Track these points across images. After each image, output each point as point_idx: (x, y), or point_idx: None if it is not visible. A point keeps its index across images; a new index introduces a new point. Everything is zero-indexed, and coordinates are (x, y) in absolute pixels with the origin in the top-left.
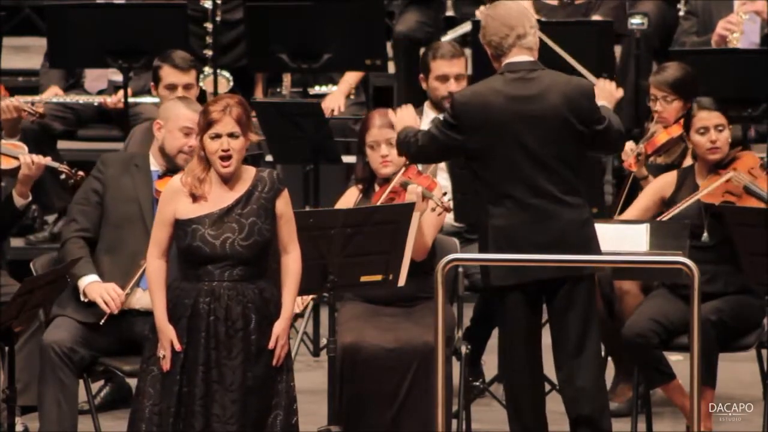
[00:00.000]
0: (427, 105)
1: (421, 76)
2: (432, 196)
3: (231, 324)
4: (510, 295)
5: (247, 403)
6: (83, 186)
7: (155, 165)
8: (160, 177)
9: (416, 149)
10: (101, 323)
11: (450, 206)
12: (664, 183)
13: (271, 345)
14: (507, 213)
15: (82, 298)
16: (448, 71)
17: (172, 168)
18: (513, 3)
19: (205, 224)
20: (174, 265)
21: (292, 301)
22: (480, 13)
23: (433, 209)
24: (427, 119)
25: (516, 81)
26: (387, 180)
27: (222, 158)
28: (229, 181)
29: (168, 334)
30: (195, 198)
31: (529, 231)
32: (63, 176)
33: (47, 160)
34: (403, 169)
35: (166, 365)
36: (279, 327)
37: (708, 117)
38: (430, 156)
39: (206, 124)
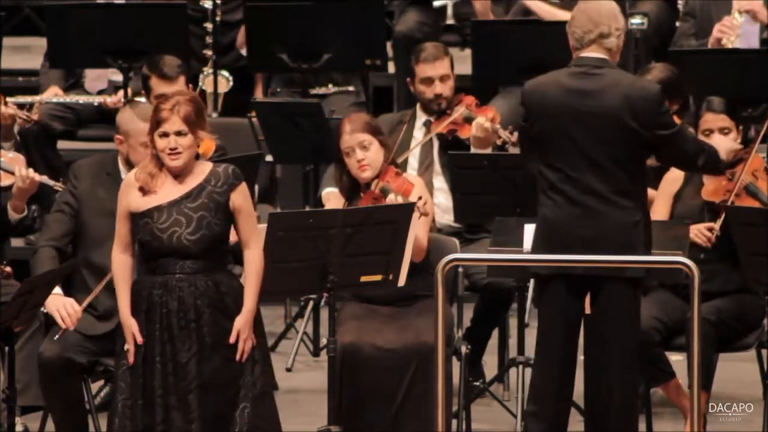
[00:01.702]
0: (418, 107)
1: (408, 79)
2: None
3: (183, 316)
4: (551, 283)
5: (205, 395)
6: (59, 197)
7: (126, 173)
8: None
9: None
10: (56, 339)
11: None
12: (672, 180)
13: (232, 339)
14: (556, 206)
15: (42, 309)
16: (432, 74)
17: None
18: (607, 2)
19: (153, 217)
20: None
21: (253, 295)
22: None
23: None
24: (419, 122)
25: (578, 75)
26: (369, 185)
27: (170, 154)
28: (179, 176)
29: (130, 327)
30: (145, 191)
31: (575, 226)
32: (58, 194)
33: (42, 178)
34: (381, 174)
35: (131, 358)
36: (240, 321)
37: (713, 120)
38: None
39: (155, 122)
